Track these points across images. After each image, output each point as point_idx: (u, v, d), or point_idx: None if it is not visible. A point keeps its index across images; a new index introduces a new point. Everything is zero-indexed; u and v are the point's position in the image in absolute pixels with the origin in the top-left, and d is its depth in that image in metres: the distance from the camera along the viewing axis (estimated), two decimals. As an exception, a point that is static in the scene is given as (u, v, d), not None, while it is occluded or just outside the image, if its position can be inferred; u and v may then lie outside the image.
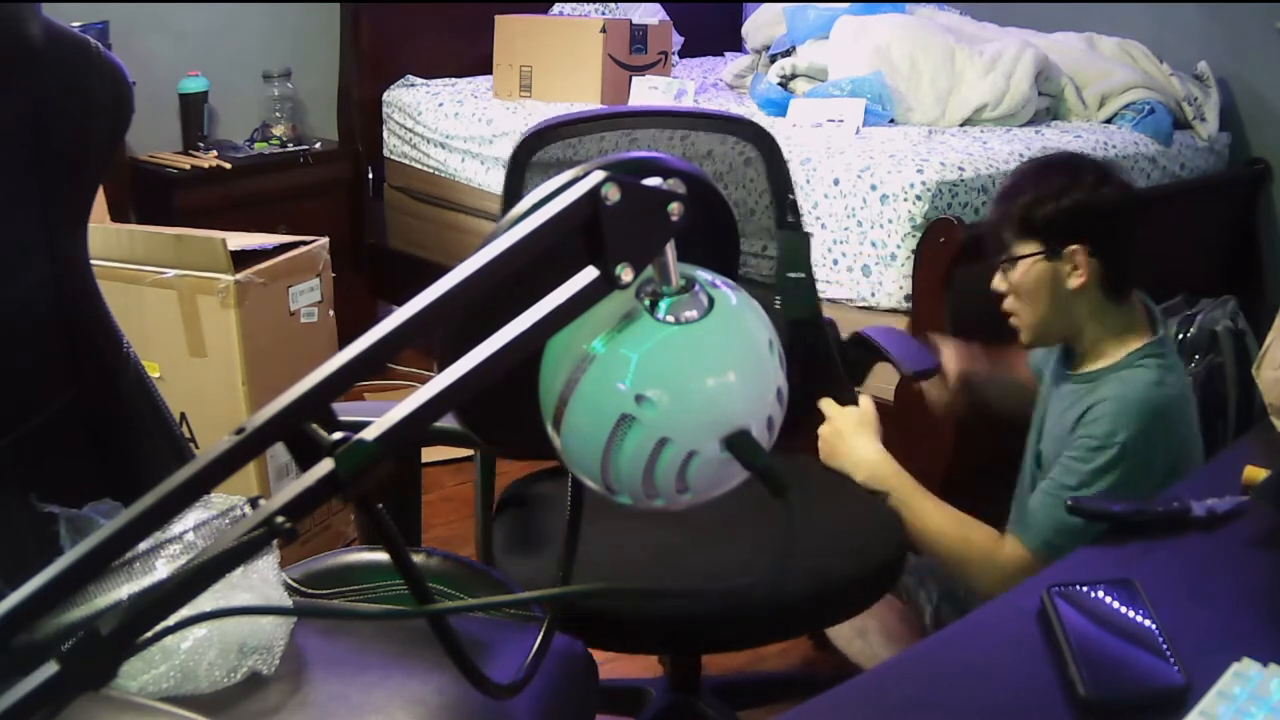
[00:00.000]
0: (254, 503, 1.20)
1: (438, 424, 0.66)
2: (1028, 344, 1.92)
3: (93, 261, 1.36)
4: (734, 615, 1.59)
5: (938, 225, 2.51)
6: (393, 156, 3.89)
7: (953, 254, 2.46)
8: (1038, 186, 1.83)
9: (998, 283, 1.90)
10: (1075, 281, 1.80)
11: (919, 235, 2.54)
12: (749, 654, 2.28)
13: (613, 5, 4.07)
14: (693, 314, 0.73)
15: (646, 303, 0.73)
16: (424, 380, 0.72)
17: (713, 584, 1.58)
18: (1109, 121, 3.25)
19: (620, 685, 2.09)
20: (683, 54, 4.19)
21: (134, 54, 3.19)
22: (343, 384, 0.64)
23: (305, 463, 0.63)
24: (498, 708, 1.17)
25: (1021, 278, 1.85)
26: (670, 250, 0.73)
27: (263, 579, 1.24)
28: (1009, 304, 1.89)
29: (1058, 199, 1.81)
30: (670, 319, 0.73)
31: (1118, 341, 1.83)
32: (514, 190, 1.78)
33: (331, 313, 2.60)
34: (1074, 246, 1.79)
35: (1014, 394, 2.07)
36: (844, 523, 1.75)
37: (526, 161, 1.78)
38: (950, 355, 2.09)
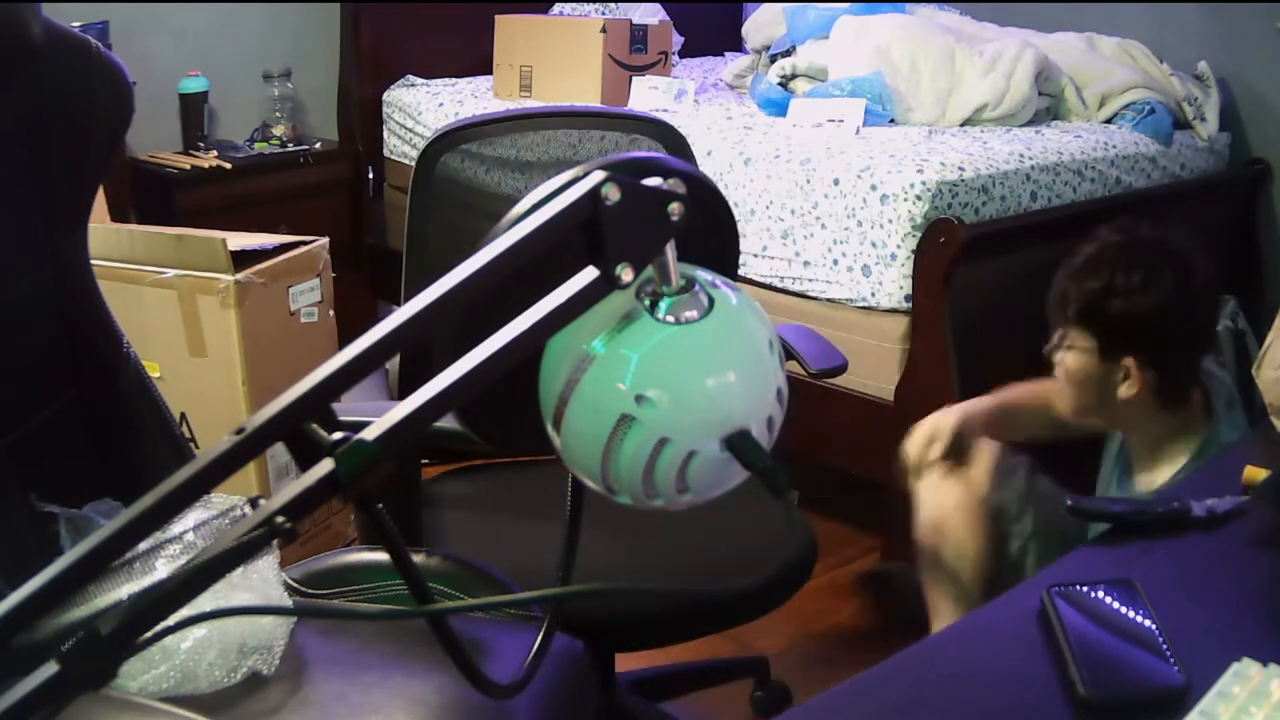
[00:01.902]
0: (254, 503, 1.20)
1: (438, 424, 0.66)
2: (1069, 419, 1.77)
3: (93, 261, 1.36)
4: (653, 615, 1.62)
5: (938, 225, 2.51)
6: (393, 156, 3.89)
7: (953, 254, 2.46)
8: (1112, 276, 1.64)
9: (1051, 351, 1.74)
10: (1126, 392, 1.65)
11: (919, 235, 2.54)
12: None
13: (613, 5, 4.07)
14: (693, 314, 0.73)
15: (646, 303, 0.73)
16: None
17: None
18: (1109, 121, 3.25)
19: None
20: (683, 54, 4.19)
21: (134, 54, 3.19)
22: (343, 384, 0.64)
23: (305, 463, 0.62)
24: (498, 708, 1.17)
25: (1071, 366, 1.70)
26: (670, 250, 0.73)
27: (263, 579, 1.24)
28: (1058, 375, 1.74)
29: (1129, 298, 1.63)
30: (670, 319, 0.73)
31: (1172, 441, 1.70)
32: (420, 200, 1.78)
33: (331, 313, 2.60)
34: (1130, 359, 1.63)
35: (1046, 426, 1.88)
36: (750, 527, 1.74)
37: (433, 167, 1.80)
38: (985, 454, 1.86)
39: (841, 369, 1.93)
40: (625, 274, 0.70)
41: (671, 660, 2.14)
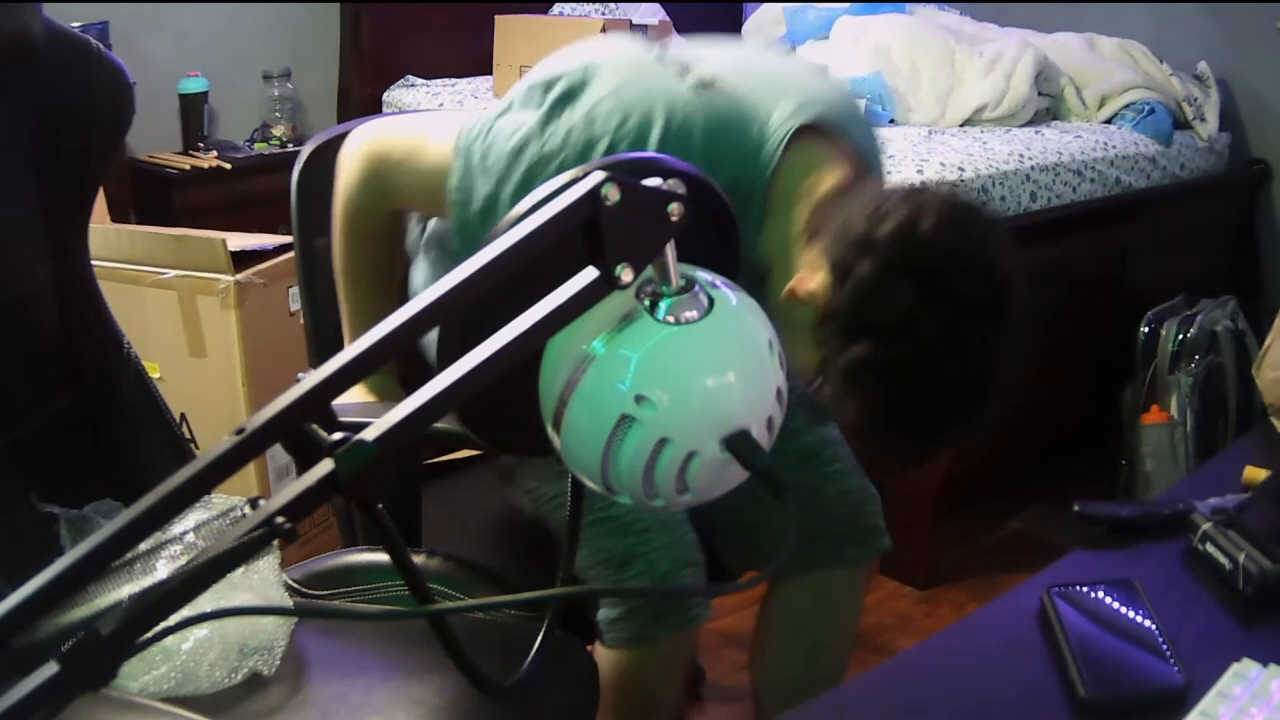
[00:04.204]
0: (254, 503, 1.20)
1: (438, 424, 0.66)
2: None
3: (93, 261, 1.36)
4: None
5: (938, 225, 2.51)
6: (393, 157, 3.89)
7: (953, 254, 2.46)
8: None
9: None
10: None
11: (919, 235, 2.53)
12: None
13: (613, 5, 4.07)
14: (693, 314, 0.73)
15: (646, 303, 0.73)
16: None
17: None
18: (1109, 122, 3.25)
19: None
20: (683, 54, 4.19)
21: (134, 54, 3.20)
22: (343, 384, 0.64)
23: (305, 463, 0.63)
24: (498, 708, 1.17)
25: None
26: (670, 250, 0.73)
27: (263, 579, 1.24)
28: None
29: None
30: (670, 319, 0.73)
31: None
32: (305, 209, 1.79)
33: (332, 313, 2.59)
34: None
35: None
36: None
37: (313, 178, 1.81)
38: None
39: None
40: (625, 274, 0.70)
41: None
